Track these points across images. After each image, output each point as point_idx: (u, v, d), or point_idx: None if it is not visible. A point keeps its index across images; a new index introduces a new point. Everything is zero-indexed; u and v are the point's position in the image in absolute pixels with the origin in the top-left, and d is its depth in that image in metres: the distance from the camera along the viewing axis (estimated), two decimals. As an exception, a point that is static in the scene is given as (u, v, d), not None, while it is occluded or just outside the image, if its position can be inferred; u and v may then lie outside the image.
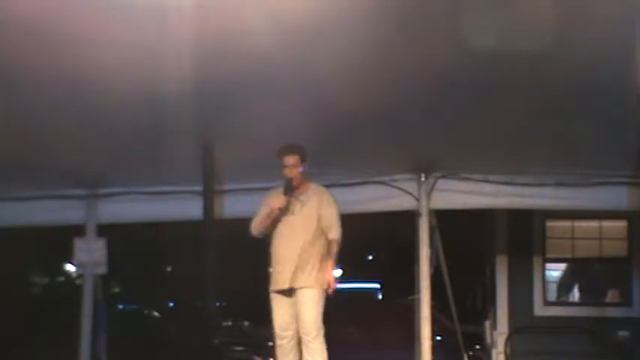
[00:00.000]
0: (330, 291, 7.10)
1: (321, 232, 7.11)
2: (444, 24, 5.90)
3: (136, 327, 17.18)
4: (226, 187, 8.66)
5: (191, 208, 8.36)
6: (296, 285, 7.04)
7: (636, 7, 5.66)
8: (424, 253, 8.51)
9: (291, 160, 7.11)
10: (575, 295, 10.90)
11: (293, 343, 7.19)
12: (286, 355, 7.23)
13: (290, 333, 7.17)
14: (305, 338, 7.09)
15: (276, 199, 7.06)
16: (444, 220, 8.82)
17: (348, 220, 7.46)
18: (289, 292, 7.09)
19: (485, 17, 5.78)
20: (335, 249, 7.13)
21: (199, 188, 8.19)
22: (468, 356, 9.29)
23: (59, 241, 11.66)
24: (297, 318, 7.11)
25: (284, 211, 7.09)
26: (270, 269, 7.22)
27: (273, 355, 11.67)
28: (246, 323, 24.10)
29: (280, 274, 7.07)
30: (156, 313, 20.66)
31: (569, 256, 10.67)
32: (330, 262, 7.09)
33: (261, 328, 20.37)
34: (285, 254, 7.05)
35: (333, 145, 7.60)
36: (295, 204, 7.11)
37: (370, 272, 21.03)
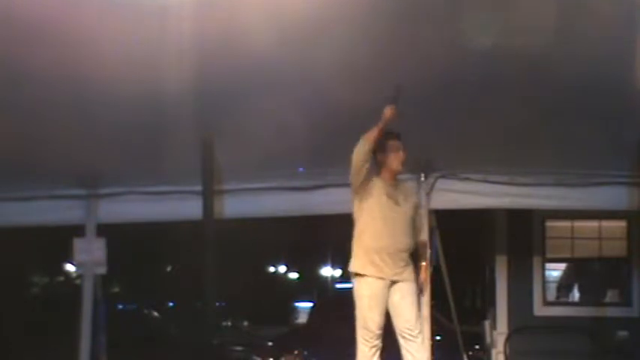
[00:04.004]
0: (422, 291, 7.06)
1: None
2: (444, 23, 5.91)
3: (136, 327, 17.18)
4: (226, 187, 8.66)
5: (191, 208, 8.35)
6: (399, 278, 6.74)
7: (636, 6, 5.67)
8: (424, 253, 8.51)
9: (400, 143, 6.84)
10: (575, 295, 10.90)
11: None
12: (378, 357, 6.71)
13: (382, 332, 6.72)
14: (409, 334, 6.72)
15: (387, 110, 6.50)
16: (444, 219, 8.82)
17: (348, 220, 7.45)
18: (388, 285, 6.75)
19: (485, 17, 5.79)
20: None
21: (199, 188, 8.19)
22: (468, 356, 9.29)
23: (59, 241, 11.66)
24: (394, 313, 6.74)
25: (388, 197, 6.79)
26: (359, 249, 6.79)
27: (274, 356, 11.69)
28: (245, 323, 24.19)
29: (388, 264, 6.70)
30: (156, 313, 20.68)
31: (568, 256, 10.67)
32: (427, 265, 7.06)
33: (260, 328, 20.47)
34: (391, 243, 6.72)
35: (333, 144, 7.60)
36: (398, 195, 6.87)
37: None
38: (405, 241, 6.79)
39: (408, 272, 6.81)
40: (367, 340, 6.66)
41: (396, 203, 6.81)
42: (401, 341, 6.74)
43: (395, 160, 6.83)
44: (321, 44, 6.10)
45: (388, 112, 6.49)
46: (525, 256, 10.45)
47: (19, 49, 6.08)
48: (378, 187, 6.78)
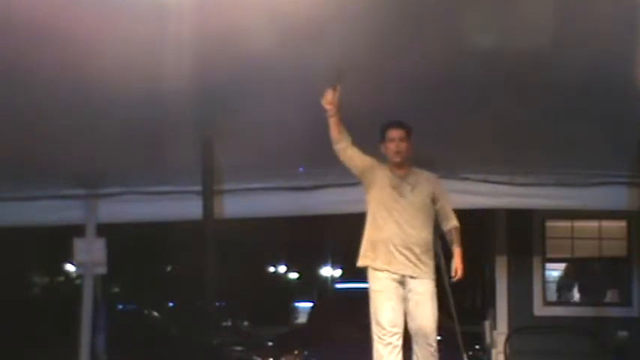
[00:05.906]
0: (457, 279, 6.60)
1: (432, 219, 6.61)
2: (444, 23, 5.91)
3: (136, 327, 17.20)
4: (226, 187, 8.66)
5: (191, 208, 8.35)
6: (412, 274, 6.41)
7: (636, 6, 5.67)
8: (424, 253, 8.48)
9: (400, 133, 6.52)
10: (575, 295, 10.89)
11: (401, 342, 6.41)
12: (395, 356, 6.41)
13: (399, 330, 6.40)
14: (423, 340, 6.46)
15: (325, 97, 6.33)
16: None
17: (348, 220, 7.45)
18: (400, 281, 6.45)
19: (486, 17, 5.80)
20: (459, 236, 6.68)
21: (199, 188, 8.19)
22: (468, 356, 9.26)
23: (59, 241, 11.66)
24: (408, 317, 6.45)
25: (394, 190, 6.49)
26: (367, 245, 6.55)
27: (274, 356, 11.68)
28: (245, 323, 24.20)
29: (395, 258, 6.41)
30: (156, 313, 20.70)
31: (568, 256, 10.67)
32: (459, 250, 6.63)
33: (260, 328, 20.48)
34: (395, 236, 6.41)
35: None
36: (405, 186, 6.51)
37: (370, 272, 20.96)
38: (413, 234, 6.45)
39: (423, 269, 6.48)
40: (380, 338, 6.40)
41: (401, 195, 6.48)
42: (414, 345, 6.51)
43: (390, 150, 6.54)
44: (321, 45, 6.10)
45: (326, 100, 6.37)
46: (525, 256, 10.44)
47: (19, 49, 6.08)
48: (382, 178, 6.52)
